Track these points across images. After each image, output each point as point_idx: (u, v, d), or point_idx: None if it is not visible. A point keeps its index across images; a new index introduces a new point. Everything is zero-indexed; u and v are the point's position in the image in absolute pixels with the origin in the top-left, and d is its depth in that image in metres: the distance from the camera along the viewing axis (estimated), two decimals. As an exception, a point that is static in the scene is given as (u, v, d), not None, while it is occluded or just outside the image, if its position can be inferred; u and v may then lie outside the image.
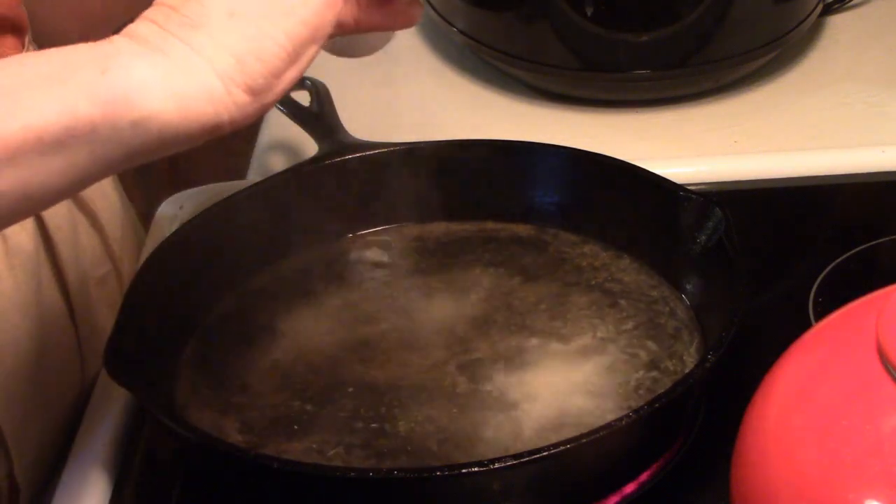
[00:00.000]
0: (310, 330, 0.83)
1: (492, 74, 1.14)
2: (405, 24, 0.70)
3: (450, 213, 0.91)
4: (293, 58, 0.59)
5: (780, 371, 0.61)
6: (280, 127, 1.04)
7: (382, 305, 0.84)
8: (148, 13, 0.59)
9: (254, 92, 0.58)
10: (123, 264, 0.92)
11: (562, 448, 0.65)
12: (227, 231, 0.86)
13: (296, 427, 0.75)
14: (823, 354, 0.60)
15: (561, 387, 0.77)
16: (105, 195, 0.91)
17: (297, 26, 0.59)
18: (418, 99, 1.13)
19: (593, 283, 0.85)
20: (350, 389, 0.78)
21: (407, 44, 1.19)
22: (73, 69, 0.56)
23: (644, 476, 0.72)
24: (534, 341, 0.80)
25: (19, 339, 0.80)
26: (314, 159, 0.92)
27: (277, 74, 0.59)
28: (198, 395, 0.79)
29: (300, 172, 0.90)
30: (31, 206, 0.58)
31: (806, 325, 0.64)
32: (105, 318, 0.88)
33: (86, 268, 0.87)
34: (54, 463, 0.83)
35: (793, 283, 0.87)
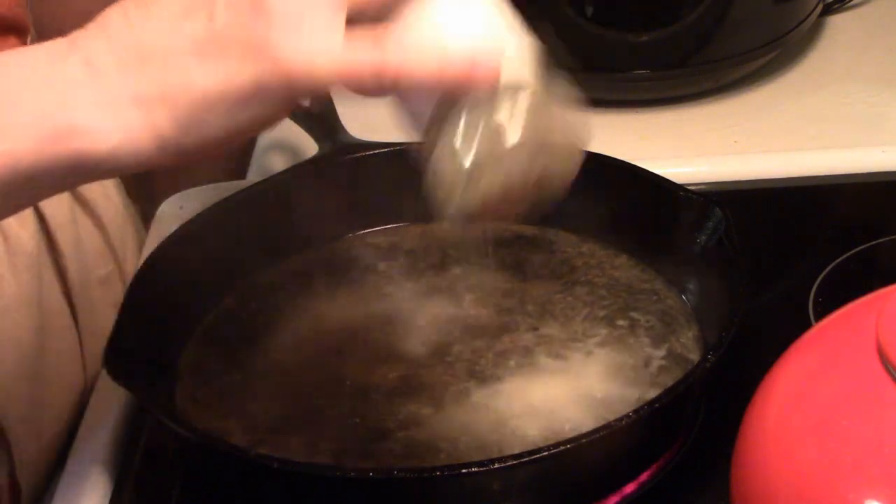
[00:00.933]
0: (310, 330, 0.83)
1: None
2: None
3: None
4: (230, 128, 0.58)
5: (780, 371, 0.61)
6: (280, 127, 1.03)
7: (383, 305, 0.84)
8: (105, 20, 0.58)
9: (180, 149, 0.58)
10: (126, 264, 0.92)
11: (562, 448, 0.65)
12: (227, 231, 0.86)
13: (296, 426, 0.75)
14: (823, 354, 0.60)
15: (563, 386, 0.77)
16: (108, 196, 0.91)
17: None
18: (418, 99, 1.13)
19: (593, 282, 0.85)
20: (350, 389, 0.78)
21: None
22: (16, 106, 0.56)
23: (644, 476, 0.72)
24: (535, 341, 0.80)
25: (21, 339, 0.80)
26: (314, 159, 0.92)
27: (208, 140, 0.58)
28: (197, 394, 0.79)
29: (300, 172, 0.91)
30: None
31: (806, 325, 0.64)
32: (107, 317, 0.87)
33: (88, 267, 0.87)
34: (56, 462, 0.83)
35: (793, 283, 0.87)
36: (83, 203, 0.87)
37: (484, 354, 0.79)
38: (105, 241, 0.89)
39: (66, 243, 0.84)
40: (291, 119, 0.97)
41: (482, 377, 0.78)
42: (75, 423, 0.83)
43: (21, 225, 0.80)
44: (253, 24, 0.55)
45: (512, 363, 0.79)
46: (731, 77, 1.10)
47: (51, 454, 0.84)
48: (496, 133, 0.59)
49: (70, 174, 0.57)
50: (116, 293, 0.89)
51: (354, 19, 0.57)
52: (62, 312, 0.84)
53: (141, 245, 0.96)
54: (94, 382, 0.84)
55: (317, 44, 0.55)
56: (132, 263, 0.93)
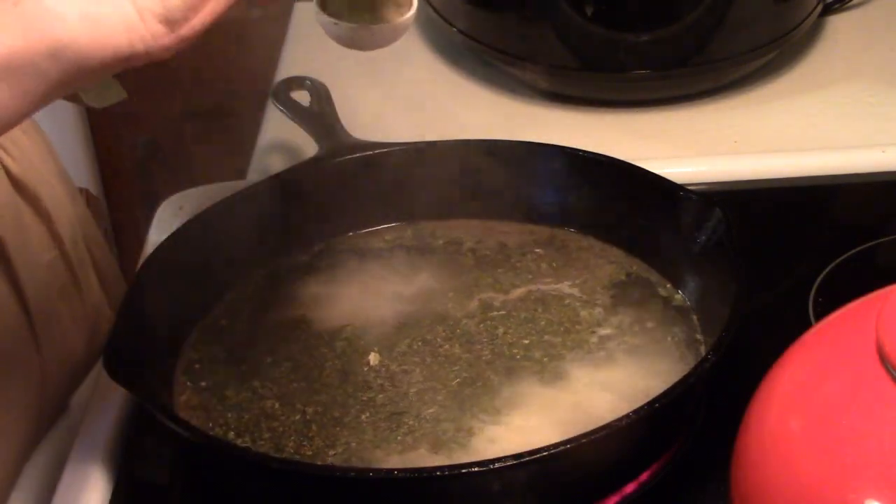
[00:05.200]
0: (310, 329, 0.83)
1: (492, 74, 1.14)
2: None
3: (449, 212, 0.91)
4: None
5: (780, 371, 0.61)
6: (280, 127, 1.04)
7: (383, 306, 0.84)
8: None
9: (169, 23, 0.58)
10: (70, 248, 0.90)
11: (562, 448, 0.65)
12: (227, 231, 0.86)
13: (295, 426, 0.75)
14: (823, 354, 0.60)
15: (562, 385, 0.77)
16: (50, 184, 0.90)
17: None
18: (418, 99, 1.13)
19: (592, 282, 0.85)
20: (350, 389, 0.78)
21: (407, 44, 1.19)
22: None
23: (644, 476, 0.72)
24: (534, 339, 0.80)
25: None
26: (314, 159, 0.92)
27: (195, 8, 0.58)
28: (197, 394, 0.79)
29: (300, 172, 0.91)
30: None
31: (806, 325, 0.64)
32: (57, 304, 0.87)
33: (32, 252, 0.86)
34: (20, 452, 0.83)
35: (793, 283, 0.87)
36: (22, 190, 0.86)
37: (485, 353, 0.79)
38: (48, 228, 0.88)
39: (7, 231, 0.83)
40: (291, 119, 0.97)
41: (483, 376, 0.78)
42: (37, 411, 0.84)
43: None
44: None
45: (511, 362, 0.79)
46: (731, 77, 1.10)
47: (11, 441, 0.83)
48: None
49: (53, 66, 0.57)
50: (62, 278, 0.88)
51: None
52: (9, 299, 0.83)
53: (89, 229, 0.96)
54: (51, 366, 0.85)
55: None
56: (78, 249, 0.92)
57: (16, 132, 0.86)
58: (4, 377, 0.82)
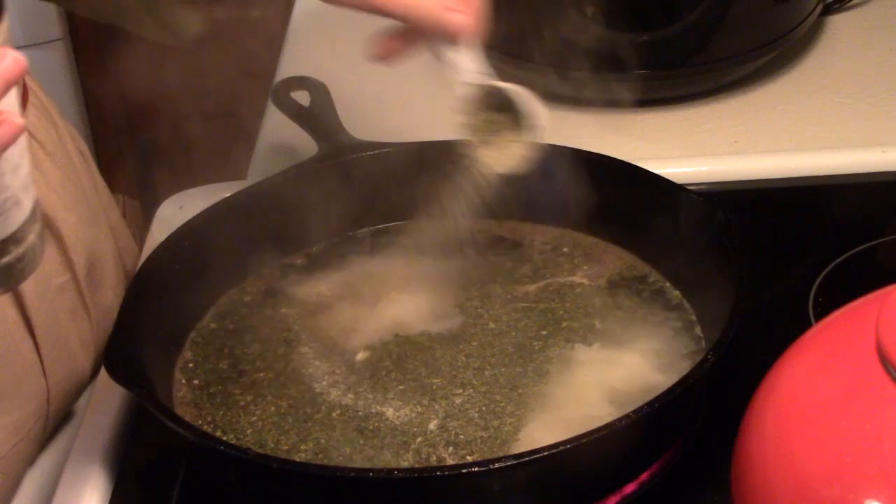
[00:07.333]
0: (310, 329, 0.83)
1: (492, 75, 1.13)
2: None
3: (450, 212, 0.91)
4: None
5: (780, 371, 0.61)
6: (280, 127, 1.04)
7: (383, 305, 0.85)
8: None
9: None
10: (81, 272, 0.90)
11: (561, 448, 0.65)
12: (226, 231, 0.86)
13: (295, 426, 0.75)
14: (823, 354, 0.60)
15: (562, 385, 0.77)
16: (66, 207, 0.89)
17: None
18: (418, 99, 1.13)
19: (593, 281, 0.85)
20: (350, 388, 0.78)
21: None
22: None
23: (644, 476, 0.72)
24: (535, 338, 0.80)
25: None
26: (314, 159, 0.92)
27: None
28: (196, 394, 0.79)
29: (300, 172, 0.91)
30: None
31: (806, 325, 0.64)
32: (65, 326, 0.87)
33: (46, 276, 0.86)
34: (21, 471, 0.83)
35: (793, 283, 0.87)
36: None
37: (486, 351, 0.79)
38: (62, 252, 0.88)
39: None
40: (291, 119, 0.97)
41: (484, 375, 0.78)
42: (41, 430, 0.84)
43: None
44: None
45: (512, 360, 0.79)
46: (731, 77, 1.11)
47: (16, 459, 0.83)
48: None
49: None
50: (73, 302, 0.89)
51: None
52: (16, 325, 0.83)
53: (92, 251, 0.96)
54: (57, 387, 0.85)
55: None
56: (94, 270, 0.91)
57: (40, 155, 0.86)
58: (9, 401, 0.82)
